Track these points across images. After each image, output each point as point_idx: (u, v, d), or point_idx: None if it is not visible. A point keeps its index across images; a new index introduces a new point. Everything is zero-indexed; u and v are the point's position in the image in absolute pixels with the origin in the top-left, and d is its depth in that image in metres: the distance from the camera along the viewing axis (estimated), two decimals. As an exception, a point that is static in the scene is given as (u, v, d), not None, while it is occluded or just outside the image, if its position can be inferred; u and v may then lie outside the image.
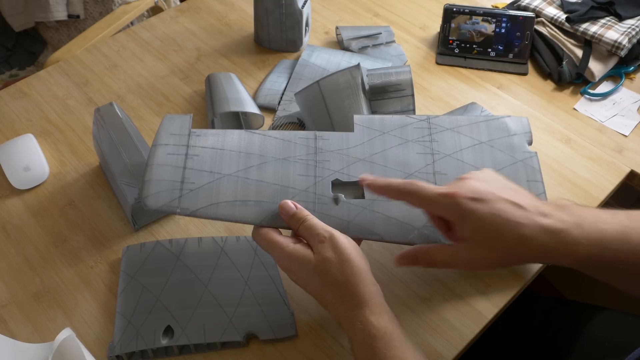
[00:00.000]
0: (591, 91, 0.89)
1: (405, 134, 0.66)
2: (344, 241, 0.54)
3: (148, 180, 0.59)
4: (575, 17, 0.91)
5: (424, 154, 0.65)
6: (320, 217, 0.58)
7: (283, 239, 0.56)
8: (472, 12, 0.93)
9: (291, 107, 0.85)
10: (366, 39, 0.95)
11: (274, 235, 0.56)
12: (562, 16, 0.93)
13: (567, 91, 0.90)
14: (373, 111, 0.76)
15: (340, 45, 0.96)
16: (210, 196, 0.59)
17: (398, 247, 0.69)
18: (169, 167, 0.60)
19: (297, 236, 0.57)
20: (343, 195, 0.61)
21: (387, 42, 0.95)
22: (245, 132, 0.64)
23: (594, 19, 0.91)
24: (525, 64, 0.93)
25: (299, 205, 0.58)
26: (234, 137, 0.63)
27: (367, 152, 0.64)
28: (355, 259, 0.53)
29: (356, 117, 0.67)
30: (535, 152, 0.67)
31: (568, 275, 1.16)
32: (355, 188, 0.62)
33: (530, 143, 0.68)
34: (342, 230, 0.57)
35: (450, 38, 0.94)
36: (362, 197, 0.61)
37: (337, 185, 0.62)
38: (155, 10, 1.34)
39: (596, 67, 0.89)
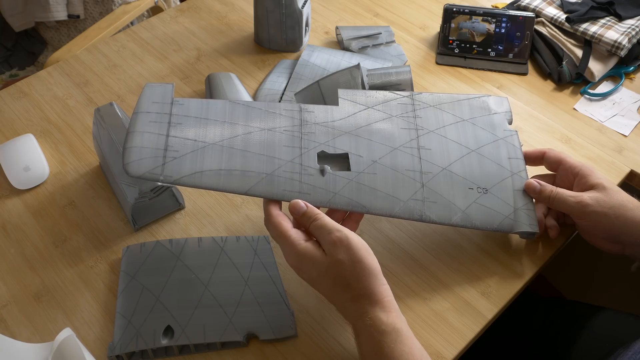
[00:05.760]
0: (591, 91, 0.89)
1: (389, 109, 0.67)
2: (357, 242, 0.53)
3: (129, 147, 0.57)
4: (575, 17, 0.91)
5: (408, 129, 0.66)
6: (306, 188, 0.58)
7: (295, 234, 0.55)
8: (472, 12, 0.93)
9: (291, 107, 0.85)
10: (366, 39, 0.95)
11: (286, 227, 0.56)
12: (562, 16, 0.93)
13: (567, 91, 0.90)
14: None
15: (340, 45, 0.96)
16: (194, 164, 0.58)
17: (399, 247, 0.69)
18: (151, 134, 0.59)
19: (308, 232, 0.57)
20: (329, 167, 0.61)
21: (387, 42, 0.95)
22: (229, 102, 0.63)
23: (594, 19, 0.91)
24: (525, 64, 0.93)
25: (309, 205, 0.57)
26: (217, 107, 0.62)
27: (352, 125, 0.65)
28: (367, 260, 0.53)
29: (340, 91, 0.67)
30: (516, 131, 0.69)
31: (568, 276, 1.16)
32: (340, 160, 0.62)
33: (510, 122, 0.70)
34: (329, 202, 0.58)
35: (450, 38, 0.94)
36: (348, 169, 0.61)
37: (322, 157, 0.62)
38: (155, 10, 1.34)
39: (596, 67, 0.89)
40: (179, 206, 0.72)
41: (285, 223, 0.56)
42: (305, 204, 0.57)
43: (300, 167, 0.60)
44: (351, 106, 0.66)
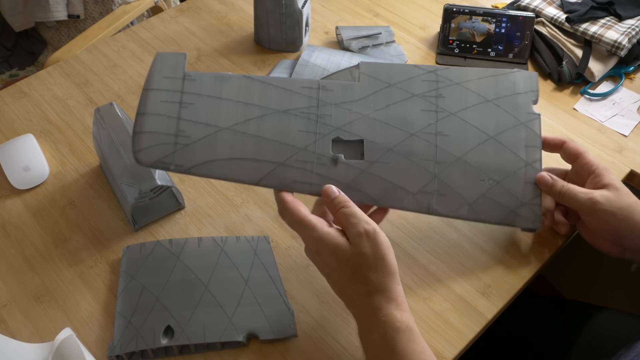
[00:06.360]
0: (591, 91, 0.89)
1: (412, 86, 0.64)
2: (384, 239, 0.53)
3: (140, 132, 0.56)
4: (575, 17, 0.91)
5: (428, 111, 0.63)
6: (318, 178, 0.58)
7: (316, 219, 0.54)
8: (472, 12, 0.93)
9: (291, 107, 0.84)
10: (366, 39, 0.95)
11: (304, 213, 0.55)
12: (562, 16, 0.93)
13: (567, 91, 0.90)
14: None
15: (340, 45, 0.96)
16: (206, 152, 0.56)
17: (399, 247, 0.69)
18: (162, 117, 0.57)
19: (329, 219, 0.57)
20: (342, 156, 0.60)
21: (387, 42, 0.95)
22: (244, 79, 0.61)
23: (594, 19, 0.91)
24: (525, 64, 0.93)
25: (341, 191, 0.57)
26: (232, 84, 0.60)
27: (371, 107, 0.62)
28: (390, 258, 0.53)
29: (362, 65, 0.64)
30: (539, 114, 0.66)
31: (568, 275, 1.16)
32: (355, 147, 0.61)
33: (535, 102, 0.67)
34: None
35: (450, 38, 0.94)
36: (362, 157, 0.60)
37: (337, 143, 0.60)
38: (155, 10, 1.34)
39: (596, 67, 0.89)
40: (179, 206, 0.72)
41: (303, 209, 0.55)
42: (338, 190, 0.57)
43: (313, 156, 0.59)
44: (372, 83, 0.63)
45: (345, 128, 0.61)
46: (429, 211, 0.61)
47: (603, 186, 0.63)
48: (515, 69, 0.68)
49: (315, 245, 0.54)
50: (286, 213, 0.56)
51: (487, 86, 0.66)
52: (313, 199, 0.60)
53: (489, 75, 0.66)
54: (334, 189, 0.57)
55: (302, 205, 0.56)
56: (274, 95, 0.60)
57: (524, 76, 0.67)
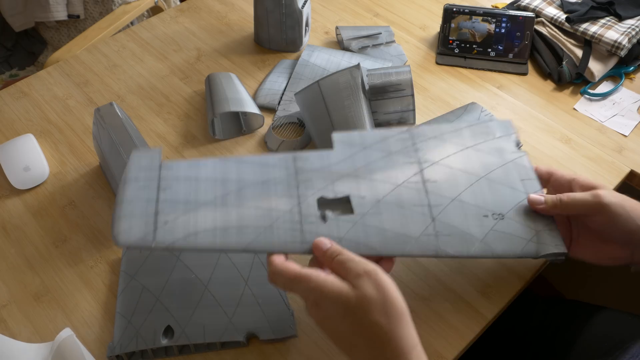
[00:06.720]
0: (591, 91, 0.89)
1: (387, 146, 0.64)
2: (387, 279, 0.49)
3: (119, 217, 0.55)
4: (575, 17, 0.91)
5: (410, 163, 0.62)
6: (309, 237, 0.55)
7: (310, 270, 0.50)
8: (472, 12, 0.93)
9: (291, 107, 0.85)
10: (366, 39, 0.95)
11: (296, 268, 0.50)
12: (562, 16, 0.93)
13: (567, 91, 0.90)
14: (373, 111, 0.76)
15: (340, 45, 0.96)
16: (187, 226, 0.55)
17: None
18: (140, 201, 0.56)
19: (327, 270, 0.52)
20: (330, 213, 0.57)
21: (387, 42, 0.95)
22: (219, 160, 0.61)
23: (594, 19, 0.92)
24: (525, 64, 0.93)
25: (333, 242, 0.54)
26: (207, 166, 0.60)
27: (350, 167, 0.61)
28: (398, 299, 0.48)
29: (334, 135, 0.64)
30: (525, 152, 0.66)
31: (568, 275, 1.16)
32: (342, 204, 0.59)
33: (517, 144, 0.66)
34: None
35: (450, 38, 0.94)
36: (351, 212, 0.58)
37: (323, 203, 0.58)
38: (155, 10, 1.34)
39: (596, 67, 0.89)
40: (179, 206, 0.72)
41: (294, 265, 0.51)
42: (330, 242, 0.53)
43: (299, 216, 0.57)
44: (347, 148, 0.63)
45: (329, 188, 0.59)
46: (437, 254, 0.57)
47: (593, 187, 0.60)
48: (488, 120, 0.68)
49: (314, 296, 0.49)
50: (277, 275, 0.51)
51: (463, 136, 0.66)
52: (307, 260, 0.57)
53: (463, 128, 0.67)
54: (325, 242, 0.53)
55: (292, 262, 0.52)
56: (250, 170, 0.60)
57: (499, 124, 0.68)
